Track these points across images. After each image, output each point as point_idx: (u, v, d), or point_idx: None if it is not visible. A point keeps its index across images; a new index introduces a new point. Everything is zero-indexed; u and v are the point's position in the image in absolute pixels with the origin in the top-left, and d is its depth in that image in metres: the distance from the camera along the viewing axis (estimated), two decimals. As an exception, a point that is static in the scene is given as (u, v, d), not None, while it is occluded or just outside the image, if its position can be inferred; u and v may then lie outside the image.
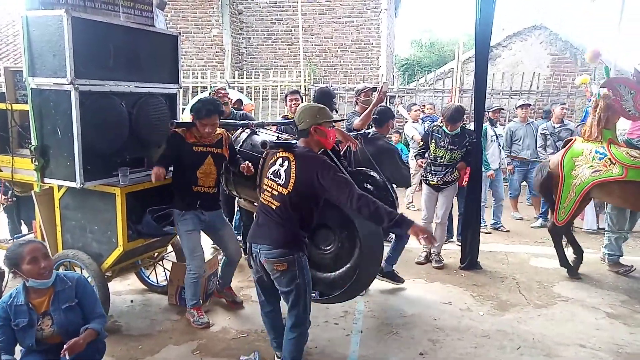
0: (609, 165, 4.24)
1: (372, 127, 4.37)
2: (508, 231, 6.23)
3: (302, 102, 5.26)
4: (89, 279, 3.43)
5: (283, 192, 2.64)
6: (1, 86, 5.26)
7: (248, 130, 3.89)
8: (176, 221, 3.49)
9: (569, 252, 4.79)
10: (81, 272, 3.56)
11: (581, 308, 4.02)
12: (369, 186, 3.61)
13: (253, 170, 3.48)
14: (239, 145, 3.78)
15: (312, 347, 3.31)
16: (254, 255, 2.74)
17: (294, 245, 2.64)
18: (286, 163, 2.69)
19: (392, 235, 4.38)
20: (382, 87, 4.21)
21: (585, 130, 4.55)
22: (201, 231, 3.63)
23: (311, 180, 2.56)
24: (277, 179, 2.69)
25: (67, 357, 2.34)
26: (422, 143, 5.05)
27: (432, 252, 5.00)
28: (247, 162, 3.51)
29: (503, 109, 6.93)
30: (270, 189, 2.72)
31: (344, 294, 2.94)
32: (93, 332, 2.52)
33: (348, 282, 2.82)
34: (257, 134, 3.83)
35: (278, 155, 2.80)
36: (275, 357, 3.04)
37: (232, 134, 3.82)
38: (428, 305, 4.03)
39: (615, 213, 4.84)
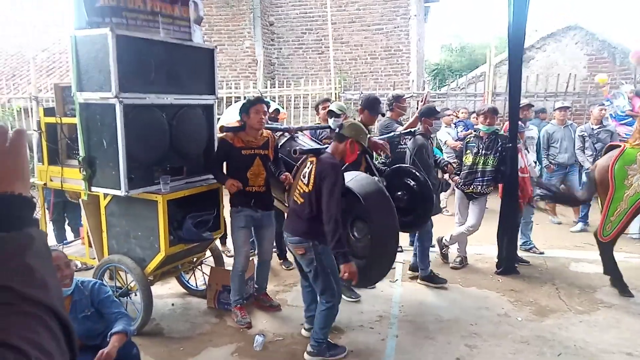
0: None
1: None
2: (542, 253, 5.35)
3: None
4: (133, 283, 3.60)
5: (306, 191, 3.13)
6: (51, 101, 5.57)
7: (287, 135, 4.04)
8: (231, 218, 3.77)
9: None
10: (126, 276, 3.73)
11: (626, 314, 3.88)
12: (410, 182, 3.86)
13: (292, 180, 3.65)
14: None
15: (347, 351, 3.34)
16: (286, 241, 3.32)
17: (309, 234, 3.11)
18: (312, 166, 3.17)
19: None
20: (425, 96, 4.71)
21: (634, 136, 4.25)
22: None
23: (321, 182, 3.02)
24: (304, 179, 3.19)
25: None
26: (457, 161, 5.06)
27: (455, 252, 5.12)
28: (286, 172, 3.73)
29: (533, 105, 6.51)
30: (299, 188, 3.23)
31: (365, 279, 3.34)
32: (121, 335, 2.47)
33: (367, 268, 3.25)
34: (295, 140, 3.96)
35: (308, 160, 3.27)
36: (303, 328, 3.60)
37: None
38: (464, 310, 3.99)
39: None
